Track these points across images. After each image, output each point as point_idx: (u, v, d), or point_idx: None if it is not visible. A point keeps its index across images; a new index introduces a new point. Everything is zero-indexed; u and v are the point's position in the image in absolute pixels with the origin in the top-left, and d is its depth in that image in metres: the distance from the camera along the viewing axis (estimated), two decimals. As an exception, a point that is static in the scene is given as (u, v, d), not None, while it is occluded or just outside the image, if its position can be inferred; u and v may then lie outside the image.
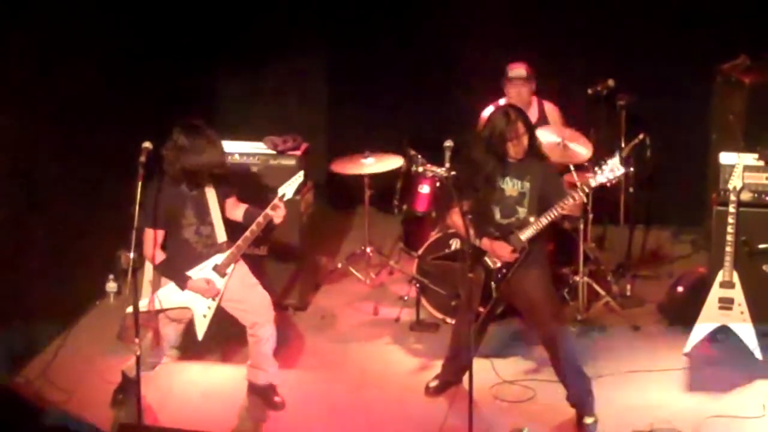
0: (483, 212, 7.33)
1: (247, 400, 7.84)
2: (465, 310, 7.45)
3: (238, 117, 10.57)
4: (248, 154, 9.02)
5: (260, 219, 7.48)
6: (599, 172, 7.15)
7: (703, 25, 9.96)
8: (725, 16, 9.84)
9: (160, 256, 7.48)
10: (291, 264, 9.07)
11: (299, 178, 7.63)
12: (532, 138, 7.34)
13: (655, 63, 10.13)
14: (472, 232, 7.13)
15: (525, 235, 7.26)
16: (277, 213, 7.49)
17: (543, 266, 7.49)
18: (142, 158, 7.02)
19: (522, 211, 7.32)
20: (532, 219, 7.26)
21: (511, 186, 7.33)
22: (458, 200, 7.18)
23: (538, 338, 7.60)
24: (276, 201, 7.49)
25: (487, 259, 7.38)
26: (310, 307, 9.33)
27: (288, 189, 7.56)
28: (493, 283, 7.37)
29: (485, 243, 7.32)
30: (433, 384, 7.96)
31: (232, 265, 7.56)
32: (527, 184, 7.31)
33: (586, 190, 7.22)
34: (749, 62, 9.40)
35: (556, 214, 7.21)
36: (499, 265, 7.36)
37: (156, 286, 7.56)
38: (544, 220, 7.23)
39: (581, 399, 7.47)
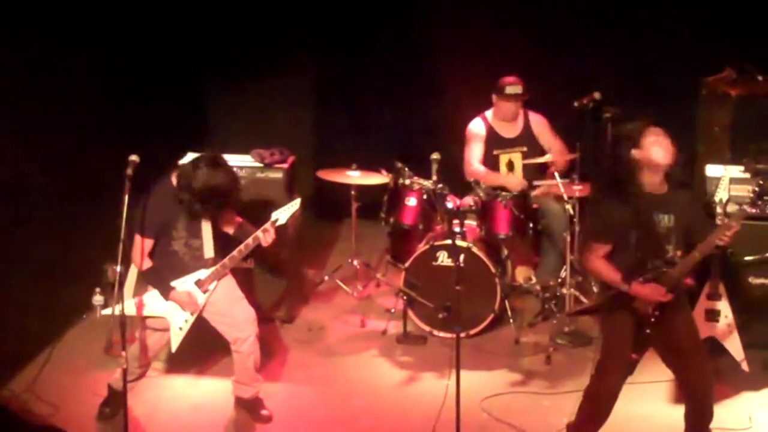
0: (629, 253, 6.73)
1: (234, 414, 7.83)
2: (615, 363, 6.89)
3: (226, 129, 10.57)
4: (236, 167, 9.00)
5: (249, 241, 7.52)
6: (754, 198, 6.65)
7: (689, 39, 9.99)
8: (711, 30, 9.88)
9: (147, 263, 7.50)
10: (278, 277, 9.07)
11: (295, 204, 7.64)
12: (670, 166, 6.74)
13: (641, 76, 10.15)
14: (618, 277, 6.72)
15: (678, 272, 6.69)
16: (265, 237, 7.50)
17: (688, 306, 7.12)
18: (129, 171, 7.03)
19: (670, 249, 6.75)
20: (679, 254, 6.74)
21: (658, 221, 6.72)
22: (596, 243, 6.80)
23: (682, 385, 7.17)
24: (267, 225, 7.50)
25: (637, 304, 6.77)
26: (297, 319, 9.31)
27: (282, 215, 7.57)
28: (648, 329, 6.78)
29: (635, 288, 6.68)
30: None
31: (215, 282, 7.57)
32: (673, 217, 6.72)
33: (739, 220, 6.62)
34: (735, 75, 9.42)
35: (711, 245, 6.62)
36: (651, 308, 6.77)
37: (137, 294, 7.62)
38: (698, 255, 6.63)
39: None
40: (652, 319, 6.77)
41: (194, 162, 7.42)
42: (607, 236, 6.80)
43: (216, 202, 7.43)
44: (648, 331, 6.78)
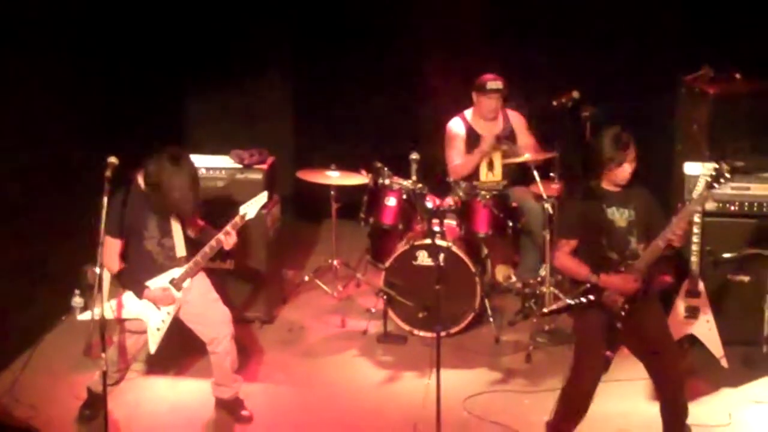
0: (594, 248, 6.87)
1: (214, 415, 7.82)
2: (588, 360, 6.93)
3: (205, 131, 10.57)
4: (215, 168, 9.01)
5: (213, 243, 7.50)
6: (710, 182, 6.69)
7: (667, 37, 10.03)
8: (688, 28, 9.92)
9: (120, 265, 7.51)
10: (258, 277, 9.06)
11: (263, 197, 7.65)
12: (637, 164, 6.92)
13: (619, 74, 10.18)
14: (586, 270, 6.82)
15: (644, 262, 6.78)
16: (227, 240, 7.51)
17: (658, 301, 7.16)
18: (108, 173, 7.01)
19: (633, 241, 6.86)
20: (642, 247, 6.83)
21: (618, 216, 6.86)
22: (563, 239, 6.94)
23: (655, 381, 7.20)
24: (236, 219, 7.52)
25: (606, 299, 6.83)
26: (277, 320, 9.31)
27: (250, 208, 7.57)
28: (619, 323, 6.84)
29: (604, 280, 6.79)
30: None
31: (189, 280, 7.56)
32: (633, 212, 6.87)
33: (697, 204, 6.89)
34: (712, 73, 9.44)
35: (671, 236, 6.68)
36: (621, 302, 6.83)
37: (114, 296, 7.58)
38: (661, 243, 6.70)
39: None
40: (623, 313, 6.82)
41: (157, 159, 7.40)
42: (572, 232, 6.93)
43: (182, 197, 7.42)
44: (619, 325, 6.83)
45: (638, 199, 6.94)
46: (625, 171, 6.87)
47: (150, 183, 7.37)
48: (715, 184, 6.69)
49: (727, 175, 6.68)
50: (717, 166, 6.71)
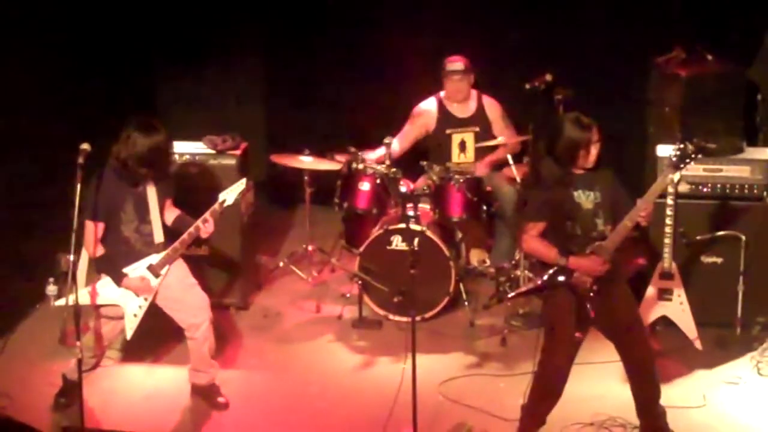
0: (562, 230, 6.88)
1: (190, 401, 7.82)
2: (559, 342, 6.96)
3: (178, 117, 10.51)
4: (188, 154, 8.98)
5: (192, 230, 7.49)
6: (676, 162, 6.78)
7: (639, 18, 10.03)
8: (660, 9, 9.92)
9: (99, 250, 7.48)
10: (233, 264, 9.05)
11: (241, 184, 7.63)
12: (601, 146, 6.95)
13: (591, 57, 10.18)
14: (554, 253, 6.83)
15: (612, 242, 6.81)
16: (205, 227, 7.50)
17: (626, 282, 7.19)
18: (81, 160, 6.99)
19: (600, 223, 6.88)
20: (609, 228, 6.86)
21: (585, 198, 6.87)
22: (530, 223, 6.92)
23: (625, 362, 7.18)
24: (215, 206, 7.51)
25: (575, 280, 6.85)
26: (252, 306, 9.30)
27: (229, 195, 7.57)
28: (589, 304, 6.87)
29: (573, 261, 6.81)
30: None
31: (167, 267, 7.55)
32: (599, 194, 6.89)
33: (663, 184, 6.96)
34: (684, 55, 9.46)
35: (637, 216, 6.75)
36: (590, 283, 6.86)
37: (90, 282, 7.57)
38: (629, 223, 6.75)
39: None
40: (592, 294, 6.86)
41: (127, 130, 7.42)
42: (539, 216, 6.94)
43: (159, 162, 7.46)
44: (589, 306, 6.86)
45: (603, 180, 6.97)
46: (590, 153, 6.90)
47: (127, 155, 7.37)
48: (681, 164, 6.75)
49: (693, 155, 6.76)
50: (682, 145, 6.76)
